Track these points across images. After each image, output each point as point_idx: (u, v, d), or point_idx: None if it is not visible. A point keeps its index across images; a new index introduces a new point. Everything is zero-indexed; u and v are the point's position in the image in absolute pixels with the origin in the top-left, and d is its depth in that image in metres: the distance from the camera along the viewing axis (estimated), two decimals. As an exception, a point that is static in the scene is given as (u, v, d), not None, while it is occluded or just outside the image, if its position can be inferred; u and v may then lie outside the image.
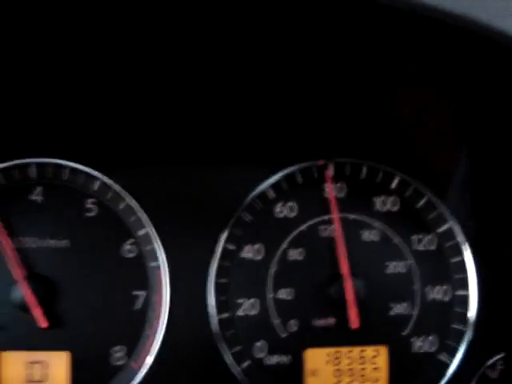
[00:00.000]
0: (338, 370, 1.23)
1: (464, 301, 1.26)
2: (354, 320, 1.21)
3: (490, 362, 1.25)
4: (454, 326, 1.25)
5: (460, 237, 1.27)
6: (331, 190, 1.24)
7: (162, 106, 1.21)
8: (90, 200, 1.22)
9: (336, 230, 1.23)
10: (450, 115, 1.26)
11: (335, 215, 1.23)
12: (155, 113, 1.22)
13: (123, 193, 1.21)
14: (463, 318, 1.25)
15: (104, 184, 1.22)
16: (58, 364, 1.18)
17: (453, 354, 1.25)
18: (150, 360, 1.18)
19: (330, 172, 1.25)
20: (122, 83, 1.19)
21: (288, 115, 1.24)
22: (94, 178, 1.22)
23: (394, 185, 1.28)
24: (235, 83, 1.20)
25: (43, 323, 1.16)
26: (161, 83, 1.18)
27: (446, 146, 1.28)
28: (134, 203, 1.21)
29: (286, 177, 1.25)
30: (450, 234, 1.27)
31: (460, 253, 1.27)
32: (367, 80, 1.21)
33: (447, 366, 1.25)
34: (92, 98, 1.19)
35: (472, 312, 1.25)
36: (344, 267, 1.21)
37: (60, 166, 1.22)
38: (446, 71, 1.17)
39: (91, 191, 1.22)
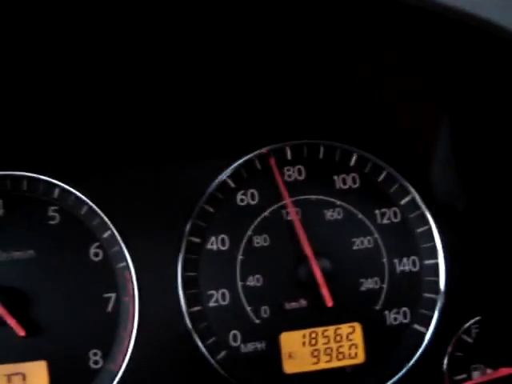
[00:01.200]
0: (315, 350, 1.24)
1: (433, 269, 1.27)
2: (327, 298, 1.21)
3: (465, 326, 1.26)
4: (426, 295, 1.26)
5: (423, 207, 1.27)
6: (277, 175, 1.25)
7: (115, 104, 1.20)
8: (51, 208, 1.22)
9: (291, 213, 1.23)
10: (400, 88, 1.26)
11: (287, 199, 1.24)
12: (107, 113, 1.21)
13: (83, 197, 1.21)
14: (434, 286, 1.26)
15: (64, 190, 1.22)
16: (36, 374, 1.18)
17: (427, 323, 1.25)
18: (126, 360, 1.18)
19: (273, 158, 1.26)
20: (69, 87, 1.18)
21: (239, 102, 1.23)
22: (53, 185, 1.22)
23: (352, 162, 1.28)
24: (187, 74, 1.18)
25: (20, 332, 1.16)
26: (112, 80, 1.16)
27: (401, 119, 1.28)
28: (94, 207, 1.21)
29: (244, 165, 1.25)
30: (413, 205, 1.28)
31: (425, 222, 1.27)
32: (317, 61, 1.20)
33: (423, 334, 1.25)
34: (40, 107, 1.19)
35: (442, 279, 1.26)
36: (306, 248, 1.21)
37: (18, 177, 1.21)
38: (411, 48, 1.16)
39: (52, 199, 1.22)
